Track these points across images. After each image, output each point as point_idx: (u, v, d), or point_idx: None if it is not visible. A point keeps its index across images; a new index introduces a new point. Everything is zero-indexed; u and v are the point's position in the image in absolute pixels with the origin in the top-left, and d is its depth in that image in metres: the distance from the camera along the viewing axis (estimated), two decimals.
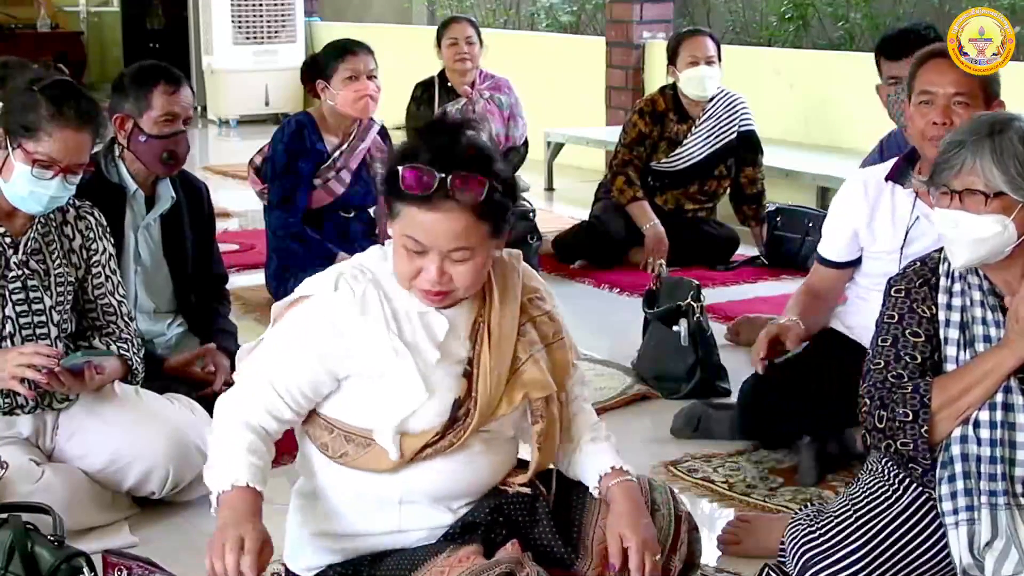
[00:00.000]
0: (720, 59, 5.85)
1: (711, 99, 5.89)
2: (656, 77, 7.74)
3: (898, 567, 2.58)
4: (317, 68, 5.06)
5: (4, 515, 2.69)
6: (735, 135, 5.94)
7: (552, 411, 2.42)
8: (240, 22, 11.26)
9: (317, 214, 5.05)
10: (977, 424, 2.56)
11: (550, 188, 8.33)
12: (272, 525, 2.30)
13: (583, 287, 5.78)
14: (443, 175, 2.22)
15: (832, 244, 3.55)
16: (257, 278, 5.53)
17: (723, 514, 3.33)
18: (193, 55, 12.03)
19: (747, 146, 6.00)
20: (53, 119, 3.03)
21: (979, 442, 2.55)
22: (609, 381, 4.37)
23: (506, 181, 2.30)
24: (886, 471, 2.71)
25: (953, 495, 2.55)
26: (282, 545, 2.50)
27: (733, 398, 3.96)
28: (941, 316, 2.64)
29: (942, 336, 2.63)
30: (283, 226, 5.04)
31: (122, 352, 3.26)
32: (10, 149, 3.07)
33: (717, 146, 5.92)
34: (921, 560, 2.61)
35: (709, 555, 3.01)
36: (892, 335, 2.67)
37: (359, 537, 2.41)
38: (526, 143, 6.69)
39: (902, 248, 3.33)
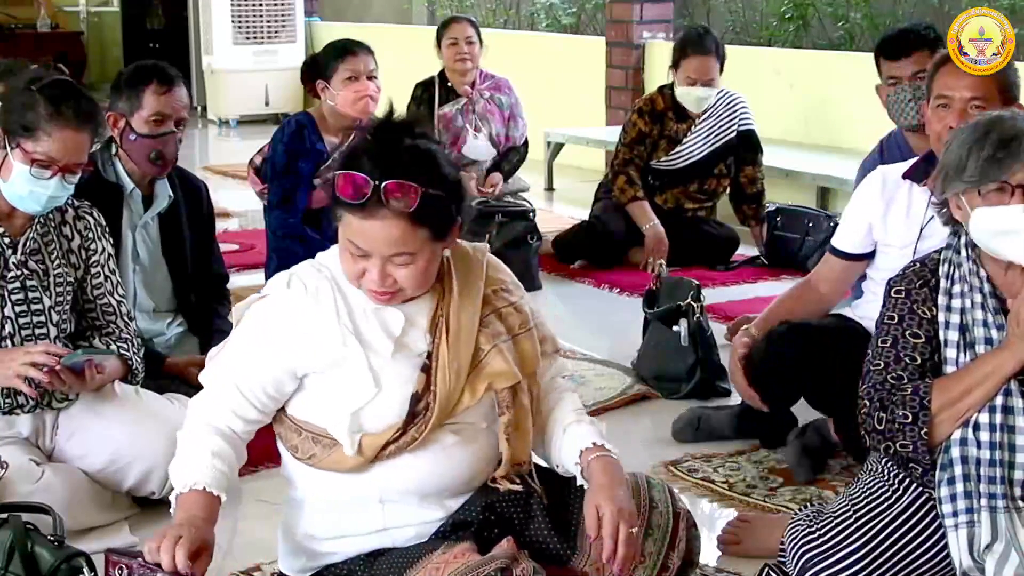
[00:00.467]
0: (722, 70, 5.86)
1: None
2: (656, 77, 7.74)
3: (898, 567, 2.58)
4: (317, 68, 5.05)
5: (4, 515, 2.68)
6: (735, 134, 5.95)
7: (521, 401, 2.42)
8: (240, 22, 11.26)
9: (317, 214, 5.03)
10: (977, 427, 2.55)
11: (550, 188, 8.34)
12: (272, 525, 2.30)
13: (583, 287, 5.79)
14: (377, 183, 2.22)
15: (846, 235, 3.54)
16: (257, 278, 5.51)
17: (723, 514, 3.33)
18: (193, 55, 12.04)
19: (747, 145, 6.01)
20: (52, 119, 3.03)
21: (979, 445, 2.54)
22: (609, 381, 4.37)
23: (450, 183, 2.30)
24: (886, 471, 2.71)
25: (953, 497, 2.55)
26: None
27: (733, 398, 3.96)
28: (941, 318, 2.63)
29: (942, 338, 2.62)
30: (283, 226, 5.03)
31: (122, 352, 3.25)
32: (9, 149, 3.07)
33: (717, 145, 5.93)
34: (921, 560, 2.60)
35: (709, 555, 3.01)
36: (892, 336, 2.66)
37: (346, 538, 2.41)
38: (526, 143, 6.69)
39: (916, 244, 3.33)
